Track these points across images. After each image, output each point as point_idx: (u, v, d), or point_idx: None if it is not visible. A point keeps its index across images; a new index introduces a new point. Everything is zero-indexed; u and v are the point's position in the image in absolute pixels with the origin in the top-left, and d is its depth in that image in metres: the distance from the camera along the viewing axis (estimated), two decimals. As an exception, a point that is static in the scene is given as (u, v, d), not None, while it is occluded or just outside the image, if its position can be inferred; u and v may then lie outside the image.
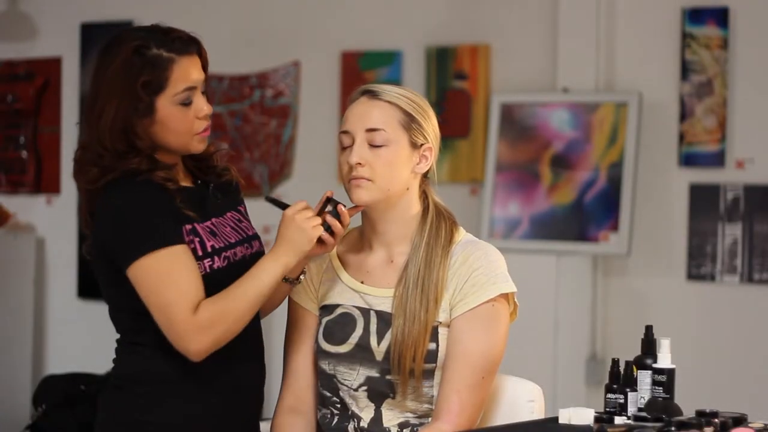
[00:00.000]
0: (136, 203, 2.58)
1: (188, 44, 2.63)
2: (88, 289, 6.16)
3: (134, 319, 2.64)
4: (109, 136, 2.59)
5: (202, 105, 2.64)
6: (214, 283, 2.60)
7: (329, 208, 2.67)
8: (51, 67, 6.32)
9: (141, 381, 2.65)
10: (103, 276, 2.67)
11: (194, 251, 2.61)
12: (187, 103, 2.62)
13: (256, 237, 2.78)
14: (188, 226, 2.63)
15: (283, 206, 2.67)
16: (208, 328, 2.54)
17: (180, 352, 2.57)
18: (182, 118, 2.62)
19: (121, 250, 2.57)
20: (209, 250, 2.64)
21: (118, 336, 2.72)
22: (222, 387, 2.67)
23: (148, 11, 5.87)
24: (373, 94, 2.70)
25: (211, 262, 2.63)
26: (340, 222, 2.66)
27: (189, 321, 2.53)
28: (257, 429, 2.78)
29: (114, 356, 2.72)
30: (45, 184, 6.36)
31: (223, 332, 2.57)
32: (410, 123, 2.68)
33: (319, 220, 2.63)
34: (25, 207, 6.37)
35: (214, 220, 2.70)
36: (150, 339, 2.64)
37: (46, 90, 6.34)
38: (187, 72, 2.61)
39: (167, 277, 2.54)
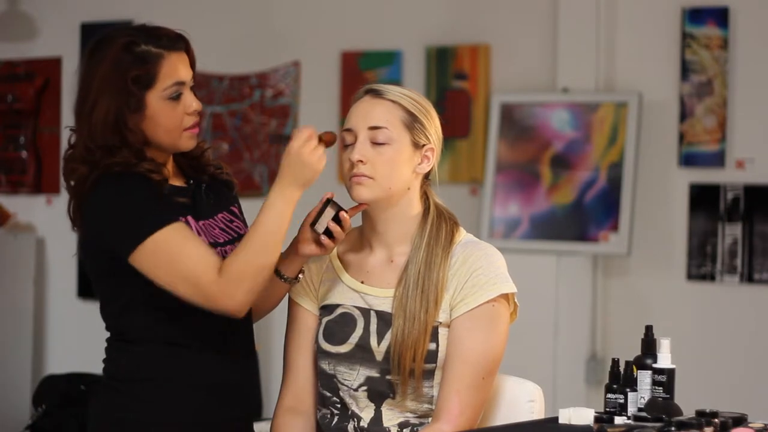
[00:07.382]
0: (127, 192, 2.59)
1: (176, 41, 2.67)
2: (88, 289, 6.14)
3: (121, 314, 2.66)
4: (101, 131, 2.61)
5: (191, 101, 2.67)
6: None
7: (329, 210, 2.67)
8: (51, 67, 6.32)
9: (128, 380, 2.66)
10: (96, 270, 2.68)
11: None
12: (175, 98, 2.64)
13: None
14: (182, 219, 2.63)
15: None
16: (237, 281, 2.53)
17: (220, 313, 2.56)
18: (171, 114, 2.64)
19: (121, 239, 2.57)
20: None
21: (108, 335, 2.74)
22: (210, 385, 2.66)
23: (148, 11, 5.87)
24: (376, 93, 2.70)
25: None
26: (341, 227, 2.66)
27: (218, 281, 2.53)
28: (249, 428, 2.77)
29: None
30: (45, 184, 6.36)
31: (252, 280, 2.55)
32: (413, 123, 2.69)
33: (322, 150, 2.60)
34: (25, 207, 6.37)
35: (202, 222, 2.70)
36: (136, 336, 2.65)
37: (46, 90, 6.33)
38: (175, 67, 2.64)
39: (177, 251, 2.54)
